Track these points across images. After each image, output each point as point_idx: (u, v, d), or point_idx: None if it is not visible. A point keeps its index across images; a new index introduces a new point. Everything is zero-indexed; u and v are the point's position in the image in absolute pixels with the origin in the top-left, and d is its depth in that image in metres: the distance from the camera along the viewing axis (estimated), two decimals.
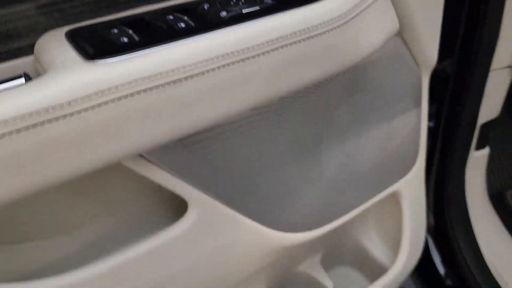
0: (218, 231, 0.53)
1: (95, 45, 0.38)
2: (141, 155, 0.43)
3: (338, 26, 0.46)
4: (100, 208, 0.53)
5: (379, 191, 0.71)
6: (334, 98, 0.56)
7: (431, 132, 0.94)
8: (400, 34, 0.61)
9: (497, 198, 1.10)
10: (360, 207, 0.70)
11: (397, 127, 0.67)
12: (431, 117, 0.91)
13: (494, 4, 0.76)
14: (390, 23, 0.56)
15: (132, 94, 0.35)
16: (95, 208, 0.52)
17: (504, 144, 1.12)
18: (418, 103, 0.69)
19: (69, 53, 0.37)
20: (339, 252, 0.85)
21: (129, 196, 0.55)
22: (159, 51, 0.38)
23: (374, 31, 0.52)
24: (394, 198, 0.76)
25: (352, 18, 0.48)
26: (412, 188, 0.76)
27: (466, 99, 0.87)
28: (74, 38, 0.39)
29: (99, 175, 0.52)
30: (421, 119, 0.71)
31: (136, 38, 0.39)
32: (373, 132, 0.64)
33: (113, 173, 0.53)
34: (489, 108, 0.91)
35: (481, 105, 0.89)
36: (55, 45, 0.38)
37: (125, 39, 0.38)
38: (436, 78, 0.86)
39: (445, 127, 0.92)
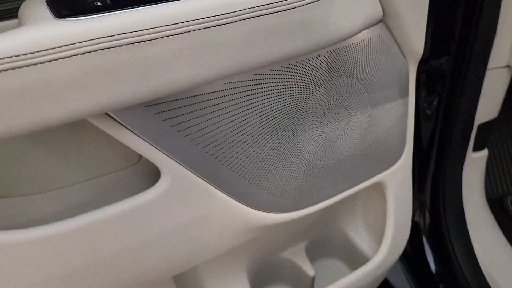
0: (190, 202, 0.55)
1: (69, 7, 0.40)
2: (112, 117, 0.45)
3: (309, 3, 0.47)
4: (80, 172, 0.56)
5: (362, 180, 0.72)
6: (314, 80, 0.57)
7: (428, 130, 0.93)
8: (384, 22, 0.62)
9: (496, 203, 1.08)
10: (341, 194, 0.70)
11: (382, 116, 0.68)
12: (427, 115, 0.92)
13: (491, 1, 0.76)
14: (371, 9, 0.57)
15: (96, 51, 0.37)
16: (74, 171, 0.55)
17: (506, 147, 1.11)
18: (404, 94, 0.69)
19: (44, 13, 0.40)
20: (325, 242, 0.86)
21: (109, 162, 0.57)
22: (127, 13, 0.40)
23: (352, 14, 0.53)
24: (380, 189, 0.77)
25: None
26: (397, 180, 0.76)
27: (462, 98, 0.87)
28: (52, 1, 0.41)
29: (79, 138, 0.55)
30: (408, 111, 0.71)
31: (109, 1, 0.41)
32: (356, 119, 0.65)
33: (93, 138, 0.55)
34: (487, 108, 0.90)
35: (478, 104, 0.89)
36: (34, 6, 0.41)
37: (99, 3, 0.41)
38: (433, 76, 0.87)
39: (442, 126, 0.92)
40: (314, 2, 0.48)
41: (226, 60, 0.45)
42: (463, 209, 1.00)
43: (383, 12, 0.60)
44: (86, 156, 0.55)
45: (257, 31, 0.45)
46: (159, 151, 0.50)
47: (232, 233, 0.61)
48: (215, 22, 0.42)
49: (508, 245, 1.02)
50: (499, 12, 0.78)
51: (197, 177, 0.54)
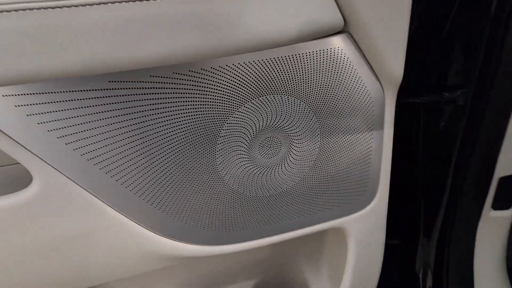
0: (68, 214, 0.47)
1: None
2: None
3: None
4: None
5: (314, 222, 0.59)
6: (238, 93, 0.46)
7: (437, 175, 0.77)
8: (349, 34, 0.49)
9: None
10: (287, 234, 0.59)
11: (341, 150, 0.55)
12: (436, 156, 0.75)
13: None
14: (324, 14, 0.45)
15: None
16: None
17: None
18: (377, 126, 0.56)
19: None
20: (280, 284, 0.74)
21: None
22: None
23: (286, 16, 0.42)
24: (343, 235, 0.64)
25: None
26: (365, 228, 0.62)
27: (480, 142, 0.70)
28: None
29: None
30: (383, 148, 0.58)
31: None
32: (301, 147, 0.53)
33: None
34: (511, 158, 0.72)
35: (499, 152, 0.71)
36: None
37: None
38: (445, 111, 0.71)
39: (454, 173, 0.75)
40: None
41: (89, 52, 0.37)
42: (472, 278, 0.82)
43: (345, 20, 0.48)
44: None
45: (133, 20, 0.36)
46: (28, 152, 0.43)
47: (134, 257, 0.53)
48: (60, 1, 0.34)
49: None
50: None
51: (80, 188, 0.46)
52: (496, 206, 0.78)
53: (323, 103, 0.51)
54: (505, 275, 0.84)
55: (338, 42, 0.49)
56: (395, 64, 0.51)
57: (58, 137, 0.43)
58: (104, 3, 0.35)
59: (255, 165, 0.52)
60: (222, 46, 0.41)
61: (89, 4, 0.36)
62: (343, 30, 0.49)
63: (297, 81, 0.48)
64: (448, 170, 0.75)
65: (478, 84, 0.66)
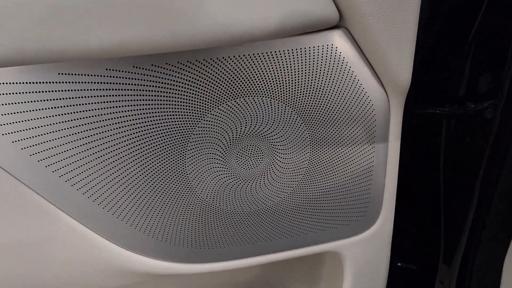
0: (18, 218, 0.43)
1: None
2: None
3: None
4: None
5: (305, 244, 0.52)
6: (207, 94, 0.40)
7: (461, 199, 0.68)
8: (346, 29, 0.42)
9: None
10: (274, 255, 0.52)
11: (336, 163, 0.48)
12: (462, 179, 0.66)
13: None
14: (310, 6, 0.38)
15: None
16: None
17: None
18: (381, 139, 0.48)
19: None
20: None
21: None
22: None
23: (260, 7, 0.36)
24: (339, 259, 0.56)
25: None
26: (365, 254, 0.54)
27: (510, 159, 0.61)
28: None
29: None
30: (388, 164, 0.50)
31: None
32: (287, 158, 0.46)
33: None
34: None
35: None
36: None
37: None
38: (470, 125, 0.62)
39: (480, 196, 0.66)
40: None
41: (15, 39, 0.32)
42: None
43: (341, 14, 0.40)
44: None
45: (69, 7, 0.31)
46: None
47: (98, 271, 0.47)
48: None
49: None
50: None
51: (31, 191, 0.42)
52: None
53: (314, 109, 0.44)
54: None
55: (331, 38, 0.42)
56: (400, 67, 0.43)
57: (2, 134, 0.38)
58: None
59: (232, 177, 0.46)
60: (180, 38, 0.35)
61: None
62: (339, 25, 0.42)
63: (280, 82, 0.41)
64: (473, 190, 0.66)
65: (509, 94, 0.57)
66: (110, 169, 0.42)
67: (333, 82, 0.43)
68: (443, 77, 0.59)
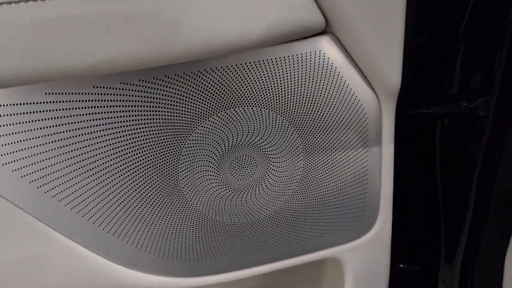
0: (13, 238, 0.42)
1: None
2: None
3: None
4: None
5: (303, 252, 0.52)
6: (198, 105, 0.40)
7: (459, 198, 0.68)
8: (333, 34, 0.42)
9: None
10: (272, 264, 0.51)
11: (331, 170, 0.48)
12: (458, 179, 0.66)
13: None
14: (295, 14, 0.38)
15: None
16: None
17: None
18: (374, 143, 0.48)
19: None
20: None
21: None
22: None
23: (244, 17, 0.36)
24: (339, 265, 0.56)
25: None
26: (363, 259, 0.54)
27: (505, 157, 0.60)
28: None
29: None
30: (383, 167, 0.49)
31: None
32: (281, 167, 0.46)
33: None
34: None
35: None
36: None
37: None
38: (464, 123, 0.62)
39: (477, 194, 0.65)
40: None
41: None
42: None
43: (327, 19, 0.40)
44: None
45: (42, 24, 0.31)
46: None
47: (89, 285, 0.47)
48: None
49: None
50: None
51: (22, 211, 0.41)
52: None
53: (305, 117, 0.44)
54: None
55: (319, 44, 0.41)
56: (390, 69, 0.43)
57: None
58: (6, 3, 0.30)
59: (226, 187, 0.45)
60: (166, 52, 0.34)
61: None
62: (325, 30, 0.42)
63: (270, 91, 0.41)
64: (469, 189, 0.65)
65: (501, 91, 0.57)
66: (103, 186, 0.41)
67: (323, 88, 0.43)
68: (434, 76, 0.59)
